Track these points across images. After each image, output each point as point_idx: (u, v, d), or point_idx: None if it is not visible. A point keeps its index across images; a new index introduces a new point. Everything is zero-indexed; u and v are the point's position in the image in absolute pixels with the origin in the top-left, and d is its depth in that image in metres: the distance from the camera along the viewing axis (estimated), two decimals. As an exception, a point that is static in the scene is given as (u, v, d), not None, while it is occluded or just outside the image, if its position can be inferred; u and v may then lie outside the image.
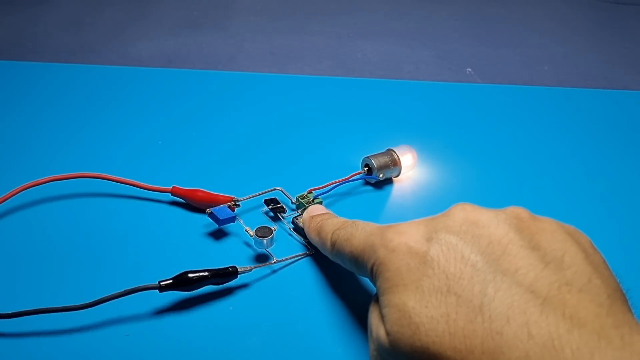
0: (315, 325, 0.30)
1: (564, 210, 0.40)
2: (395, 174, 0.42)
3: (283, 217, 0.37)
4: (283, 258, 0.34)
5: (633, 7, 1.05)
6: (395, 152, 0.41)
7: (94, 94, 0.53)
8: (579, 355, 0.17)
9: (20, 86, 0.54)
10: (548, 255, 0.20)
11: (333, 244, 0.29)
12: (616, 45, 0.88)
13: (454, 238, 0.22)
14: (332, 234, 0.29)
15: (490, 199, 0.41)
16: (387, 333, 0.22)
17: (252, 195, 0.38)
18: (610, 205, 0.41)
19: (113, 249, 0.35)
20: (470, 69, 0.77)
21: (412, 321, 0.20)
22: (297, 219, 0.36)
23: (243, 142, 0.46)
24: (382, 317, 0.22)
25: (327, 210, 0.34)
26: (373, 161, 0.40)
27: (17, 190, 0.36)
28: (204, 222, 0.37)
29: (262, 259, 0.34)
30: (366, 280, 0.33)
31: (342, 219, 0.31)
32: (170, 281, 0.29)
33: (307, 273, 0.34)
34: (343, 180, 0.39)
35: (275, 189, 0.39)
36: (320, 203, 0.38)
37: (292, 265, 0.34)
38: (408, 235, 0.23)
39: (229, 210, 0.35)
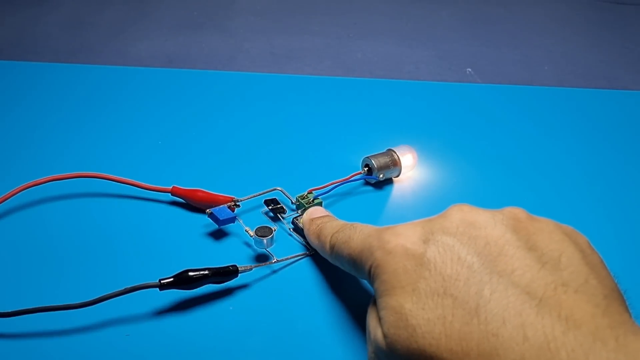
0: (315, 325, 0.30)
1: (563, 211, 0.40)
2: (396, 174, 0.42)
3: (283, 218, 0.37)
4: (283, 258, 0.34)
5: (633, 7, 1.05)
6: (395, 152, 0.41)
7: (94, 94, 0.54)
8: (574, 357, 0.17)
9: (20, 86, 0.54)
10: (545, 256, 0.20)
11: (332, 247, 0.29)
12: (616, 45, 0.88)
13: (450, 239, 0.22)
14: (331, 237, 0.29)
15: (490, 199, 0.41)
16: (385, 335, 0.22)
17: (252, 195, 0.38)
18: (610, 205, 0.41)
19: (113, 249, 0.35)
20: (470, 69, 0.77)
21: (409, 323, 0.20)
22: (297, 220, 0.36)
23: (243, 142, 0.47)
24: (380, 320, 0.22)
25: (327, 213, 0.34)
26: (373, 161, 0.40)
27: (17, 190, 0.36)
28: (204, 222, 0.37)
29: (262, 259, 0.34)
30: (366, 281, 0.33)
31: (341, 222, 0.31)
32: (171, 279, 0.29)
33: (307, 273, 0.34)
34: (343, 180, 0.39)
35: (275, 189, 0.39)
36: (320, 203, 0.38)
37: (292, 265, 0.34)
38: (405, 237, 0.23)
39: (229, 210, 0.35)
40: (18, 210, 0.38)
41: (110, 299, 0.28)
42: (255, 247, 0.34)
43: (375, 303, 0.24)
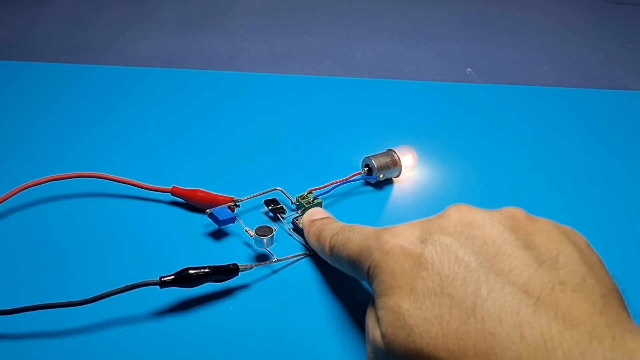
0: (315, 325, 0.30)
1: (563, 211, 0.40)
2: (396, 174, 0.42)
3: (283, 218, 0.37)
4: (283, 257, 0.34)
5: (633, 7, 1.05)
6: (395, 153, 0.41)
7: (94, 94, 0.54)
8: (571, 356, 0.17)
9: (20, 86, 0.54)
10: (542, 255, 0.20)
11: (331, 249, 0.29)
12: (616, 45, 0.88)
13: (448, 239, 0.22)
14: (331, 239, 0.29)
15: (490, 199, 0.41)
16: (383, 335, 0.22)
17: (252, 195, 0.38)
18: (609, 205, 0.41)
19: (113, 249, 0.35)
20: (470, 69, 0.77)
21: (407, 323, 0.20)
22: (297, 220, 0.36)
23: (243, 142, 0.47)
24: (378, 320, 0.22)
25: (327, 214, 0.34)
26: (373, 161, 0.40)
27: (17, 190, 0.36)
28: (204, 222, 0.37)
29: (262, 258, 0.34)
30: (365, 282, 0.33)
31: (340, 224, 0.31)
32: (172, 277, 0.29)
33: (307, 273, 0.34)
34: (343, 180, 0.39)
35: (275, 189, 0.39)
36: (320, 203, 0.38)
37: (292, 265, 0.34)
38: (403, 237, 0.23)
39: (228, 210, 0.35)
40: (18, 210, 0.38)
41: (111, 297, 0.28)
42: (255, 246, 0.34)
43: (374, 303, 0.24)
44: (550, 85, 0.71)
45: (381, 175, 0.40)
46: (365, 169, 0.41)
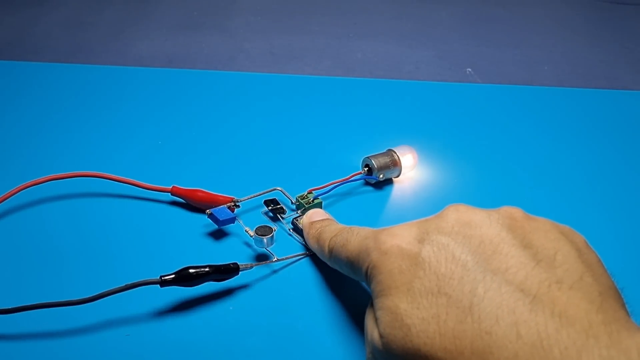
0: (315, 325, 0.30)
1: (563, 211, 0.40)
2: (396, 175, 0.42)
3: (283, 218, 0.37)
4: (283, 257, 0.34)
5: (633, 7, 1.05)
6: (395, 153, 0.41)
7: (94, 94, 0.54)
8: (567, 354, 0.17)
9: (20, 86, 0.54)
10: (539, 254, 0.20)
11: (330, 251, 0.29)
12: (616, 45, 0.88)
13: (445, 239, 0.22)
14: (329, 241, 0.29)
15: (490, 199, 0.41)
16: (381, 335, 0.22)
17: (252, 195, 0.38)
18: (609, 205, 0.41)
19: (113, 249, 0.35)
20: (470, 69, 0.77)
21: (404, 323, 0.20)
22: (297, 220, 0.36)
23: (243, 142, 0.47)
24: (376, 320, 0.22)
25: (327, 215, 0.34)
26: (373, 161, 0.40)
27: (17, 190, 0.36)
28: (204, 222, 0.37)
29: (262, 258, 0.34)
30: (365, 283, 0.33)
31: (339, 226, 0.31)
32: (172, 276, 0.29)
33: (307, 273, 0.34)
34: (343, 180, 0.39)
35: (275, 189, 0.39)
36: (320, 203, 0.38)
37: (292, 265, 0.34)
38: (400, 237, 0.23)
39: (228, 210, 0.35)
40: (18, 210, 0.38)
41: (111, 297, 0.28)
42: (255, 246, 0.34)
43: (372, 304, 0.24)
44: (550, 85, 0.71)
45: (381, 176, 0.40)
46: (365, 169, 0.41)
